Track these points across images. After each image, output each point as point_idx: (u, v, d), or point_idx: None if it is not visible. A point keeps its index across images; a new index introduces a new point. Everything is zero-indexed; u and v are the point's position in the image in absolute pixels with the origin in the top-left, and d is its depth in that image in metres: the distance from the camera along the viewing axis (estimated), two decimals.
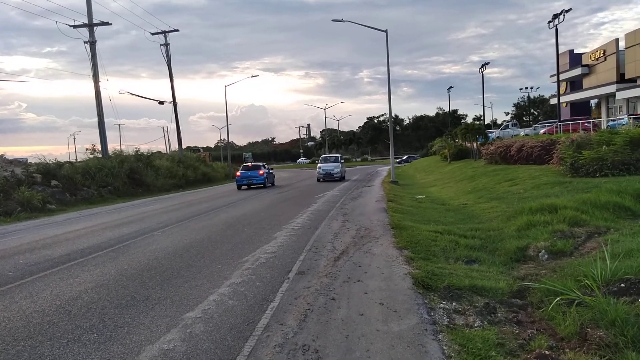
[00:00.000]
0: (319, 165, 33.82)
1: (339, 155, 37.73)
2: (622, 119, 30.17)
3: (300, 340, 4.52)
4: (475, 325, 4.86)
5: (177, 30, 40.06)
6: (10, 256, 9.83)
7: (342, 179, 32.89)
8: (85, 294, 6.57)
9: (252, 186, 28.83)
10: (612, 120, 30.67)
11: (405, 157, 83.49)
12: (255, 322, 5.10)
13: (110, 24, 30.09)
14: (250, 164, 30.66)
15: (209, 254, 8.91)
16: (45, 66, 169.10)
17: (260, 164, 30.82)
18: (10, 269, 8.45)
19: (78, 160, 34.58)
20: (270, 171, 31.46)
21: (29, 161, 30.27)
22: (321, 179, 32.37)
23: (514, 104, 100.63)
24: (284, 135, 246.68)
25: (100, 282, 7.16)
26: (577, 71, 46.45)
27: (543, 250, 7.86)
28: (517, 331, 4.83)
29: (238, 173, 29.18)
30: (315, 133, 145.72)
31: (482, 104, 52.72)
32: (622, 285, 5.41)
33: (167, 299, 6.14)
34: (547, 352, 4.12)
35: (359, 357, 4.07)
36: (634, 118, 25.02)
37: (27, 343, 4.85)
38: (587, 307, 4.93)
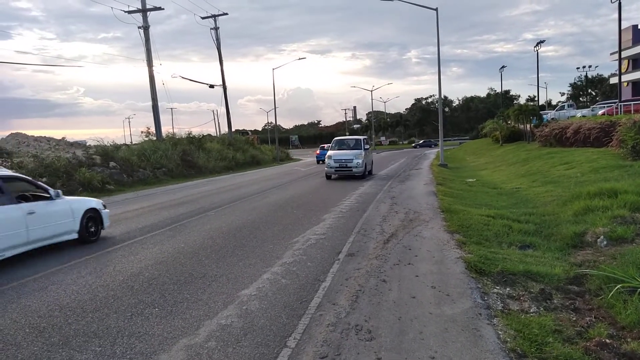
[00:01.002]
0: (329, 153, 21.83)
1: (362, 137, 23.31)
2: None
3: (352, 320, 4.60)
4: (531, 311, 4.78)
5: (226, 14, 40.54)
6: None
7: (366, 174, 21.29)
8: (145, 270, 6.90)
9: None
10: None
11: (421, 142, 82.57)
12: (308, 301, 5.22)
13: (163, 9, 30.79)
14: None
15: (261, 234, 9.12)
16: (102, 52, 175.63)
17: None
18: (74, 246, 8.94)
19: (133, 143, 35.96)
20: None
21: (87, 144, 31.75)
22: (332, 175, 21.50)
23: (570, 84, 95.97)
24: (329, 118, 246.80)
25: (159, 260, 7.49)
26: None
27: (602, 236, 7.57)
28: (574, 318, 4.72)
29: (317, 151, 33.75)
30: (362, 115, 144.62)
31: (536, 84, 50.82)
32: None
33: (223, 276, 6.37)
34: (607, 340, 4.02)
35: (412, 338, 4.11)
36: None
37: (94, 315, 5.17)
38: None
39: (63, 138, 34.42)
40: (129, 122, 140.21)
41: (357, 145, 22.05)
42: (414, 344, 3.99)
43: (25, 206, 7.95)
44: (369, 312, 4.81)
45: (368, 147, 23.36)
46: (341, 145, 22.60)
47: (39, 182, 9.12)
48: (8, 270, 7.26)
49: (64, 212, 8.65)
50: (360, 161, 20.62)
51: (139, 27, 30.21)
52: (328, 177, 21.48)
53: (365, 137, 25.10)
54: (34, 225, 7.85)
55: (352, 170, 20.65)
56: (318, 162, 35.17)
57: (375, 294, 5.36)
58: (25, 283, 6.52)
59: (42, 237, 8.09)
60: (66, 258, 7.91)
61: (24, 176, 9.02)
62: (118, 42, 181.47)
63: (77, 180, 20.33)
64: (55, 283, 6.45)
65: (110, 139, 29.09)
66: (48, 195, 8.57)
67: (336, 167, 20.96)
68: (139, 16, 30.25)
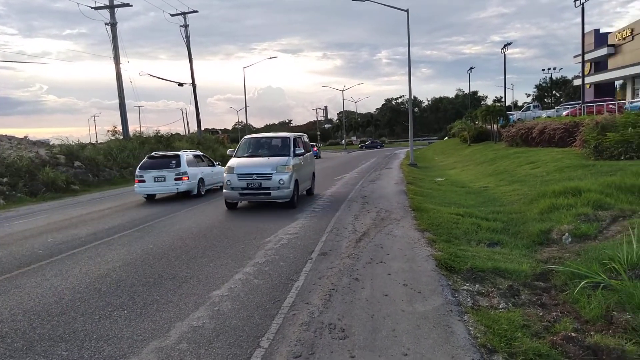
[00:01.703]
0: (231, 163, 12.92)
1: (291, 136, 13.78)
2: (639, 101, 29.47)
3: (326, 319, 4.59)
4: (500, 307, 4.88)
5: (196, 12, 39.97)
6: (38, 235, 10.09)
7: (295, 200, 12.38)
8: (113, 272, 6.74)
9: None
10: (629, 102, 29.91)
11: (367, 143, 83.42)
12: (281, 301, 5.19)
13: (131, 5, 30.13)
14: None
15: (232, 235, 9.03)
16: (66, 48, 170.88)
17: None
18: (39, 247, 8.69)
19: (99, 142, 35.09)
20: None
21: (51, 142, 30.82)
22: (237, 203, 12.91)
23: (535, 86, 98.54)
24: (301, 117, 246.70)
25: (128, 261, 7.33)
26: (603, 51, 45.20)
27: (567, 234, 7.79)
28: (541, 313, 4.84)
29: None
30: (333, 115, 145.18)
31: (503, 85, 52.03)
32: None
33: (193, 277, 6.28)
34: (573, 334, 4.13)
35: (385, 336, 4.13)
36: None
37: (60, 318, 5.02)
38: (613, 290, 4.91)
39: (25, 137, 33.29)
40: (95, 120, 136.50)
41: (283, 150, 13.10)
42: (387, 342, 4.02)
43: (215, 168, 17.85)
44: (342, 310, 4.82)
45: (304, 151, 13.82)
46: (255, 149, 13.76)
47: (210, 158, 18.68)
48: None
49: (221, 172, 15.39)
50: (284, 178, 12.02)
51: (106, 24, 29.51)
52: (230, 205, 12.78)
53: (302, 135, 15.70)
54: (216, 176, 17.36)
55: (269, 192, 12.08)
56: None
57: (348, 292, 5.37)
58: None
59: (217, 181, 17.39)
60: (29, 260, 7.67)
61: (203, 154, 18.78)
62: (84, 39, 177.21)
63: (40, 180, 19.72)
64: (18, 286, 6.23)
65: (75, 137, 28.52)
66: (216, 164, 18.27)
67: (242, 189, 12.23)
68: (106, 12, 29.55)
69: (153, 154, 17.14)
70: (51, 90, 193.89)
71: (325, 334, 4.26)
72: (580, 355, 3.81)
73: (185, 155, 16.29)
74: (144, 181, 15.60)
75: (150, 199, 15.99)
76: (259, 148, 13.74)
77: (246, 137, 14.69)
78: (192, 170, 15.88)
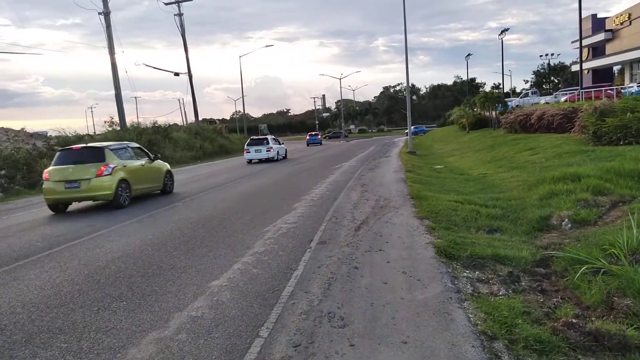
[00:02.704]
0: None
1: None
2: (632, 87, 29.37)
3: (325, 308, 4.58)
4: (500, 293, 4.86)
5: (191, 0, 39.63)
6: (37, 227, 10.06)
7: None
8: (112, 263, 6.71)
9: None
10: (622, 88, 29.82)
11: (330, 133, 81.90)
12: (280, 290, 5.17)
13: None
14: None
15: (231, 224, 9.00)
16: (61, 39, 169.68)
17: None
18: (38, 239, 8.67)
19: (96, 133, 34.95)
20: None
21: (48, 134, 30.68)
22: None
23: (533, 72, 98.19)
24: (299, 106, 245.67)
25: (126, 252, 7.30)
26: (600, 36, 45.03)
27: (566, 219, 7.77)
28: (541, 300, 4.82)
29: (307, 137, 31.79)
30: (331, 104, 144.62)
31: (501, 71, 51.77)
32: None
33: (192, 267, 6.25)
34: (573, 320, 4.12)
35: (385, 324, 4.11)
36: None
37: (59, 310, 5.00)
38: (613, 275, 4.89)
39: (22, 129, 33.11)
40: (92, 111, 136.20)
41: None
42: (386, 330, 4.00)
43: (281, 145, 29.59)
44: (341, 299, 4.80)
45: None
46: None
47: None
48: None
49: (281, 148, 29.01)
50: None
51: (99, 13, 29.28)
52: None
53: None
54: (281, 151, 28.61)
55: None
56: (308, 145, 37.63)
57: (347, 280, 5.35)
58: None
59: (282, 154, 28.52)
60: (27, 252, 7.64)
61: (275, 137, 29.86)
62: (78, 29, 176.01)
63: (38, 172, 19.64)
64: (17, 279, 6.21)
65: (72, 129, 28.36)
66: (280, 143, 29.64)
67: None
68: (99, 1, 29.28)
69: (253, 137, 29.84)
70: (47, 82, 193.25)
71: (324, 322, 4.24)
72: (581, 341, 3.79)
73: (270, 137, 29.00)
74: (249, 152, 27.55)
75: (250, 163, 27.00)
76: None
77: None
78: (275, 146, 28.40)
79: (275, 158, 27.41)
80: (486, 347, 3.61)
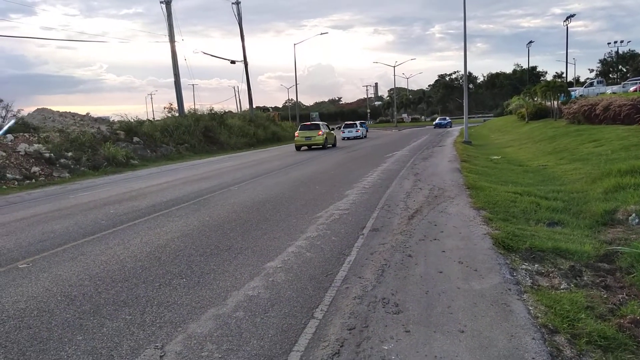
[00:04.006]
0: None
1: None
2: None
3: (379, 294, 4.57)
4: (561, 287, 4.69)
5: None
6: (101, 206, 10.59)
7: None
8: (172, 242, 6.98)
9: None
10: None
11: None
12: (334, 275, 5.21)
13: None
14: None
15: (284, 209, 9.13)
16: (124, 27, 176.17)
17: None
18: (102, 218, 9.12)
19: (156, 119, 36.24)
20: (331, 131, 30.85)
21: (111, 119, 32.10)
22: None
23: (599, 60, 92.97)
24: (351, 94, 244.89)
25: (185, 232, 7.56)
26: None
27: (634, 214, 7.36)
28: (605, 295, 4.61)
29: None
30: (383, 92, 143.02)
31: (564, 60, 49.37)
32: None
33: (248, 249, 6.40)
34: None
35: (440, 312, 4.06)
36: None
37: (124, 285, 5.26)
38: None
39: (87, 114, 34.97)
40: (152, 98, 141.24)
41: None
42: (442, 318, 3.95)
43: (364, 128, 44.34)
44: (395, 285, 4.78)
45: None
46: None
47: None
48: (35, 241, 7.44)
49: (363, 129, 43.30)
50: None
51: (161, 2, 30.15)
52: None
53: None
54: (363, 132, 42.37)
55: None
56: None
57: (401, 268, 5.32)
58: (55, 253, 6.67)
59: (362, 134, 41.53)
60: (93, 229, 8.06)
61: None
62: (140, 18, 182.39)
63: (101, 155, 20.65)
64: (84, 254, 6.57)
65: (132, 115, 29.53)
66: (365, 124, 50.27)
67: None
68: None
69: (345, 122, 45.03)
70: (110, 69, 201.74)
71: (378, 307, 4.24)
72: None
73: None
74: (344, 132, 40.44)
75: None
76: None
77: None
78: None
79: (361, 136, 41.05)
80: (547, 340, 3.50)
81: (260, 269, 5.54)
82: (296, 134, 28.45)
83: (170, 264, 5.93)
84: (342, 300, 4.48)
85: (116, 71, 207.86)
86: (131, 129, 25.32)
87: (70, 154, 19.61)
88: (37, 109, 34.77)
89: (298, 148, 27.98)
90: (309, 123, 30.25)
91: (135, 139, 24.67)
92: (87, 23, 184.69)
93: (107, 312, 4.49)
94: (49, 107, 34.29)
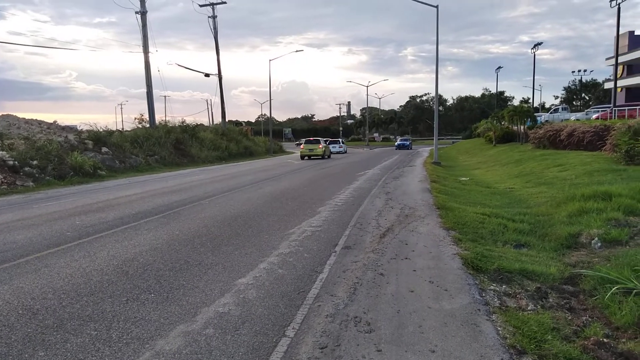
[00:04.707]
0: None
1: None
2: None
3: (351, 312, 4.58)
4: (528, 308, 4.79)
5: (225, 2, 40.19)
6: (67, 217, 10.30)
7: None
8: (140, 256, 6.83)
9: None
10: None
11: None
12: (306, 292, 5.19)
13: None
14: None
15: (256, 225, 9.07)
16: (96, 36, 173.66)
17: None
18: (68, 229, 8.87)
19: (125, 130, 35.63)
20: (337, 145, 47.64)
21: (79, 128, 31.38)
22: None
23: (564, 88, 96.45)
24: (323, 112, 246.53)
25: (154, 246, 7.42)
26: (637, 54, 44.02)
27: (596, 238, 7.61)
28: (570, 317, 4.74)
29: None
30: (355, 111, 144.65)
31: (531, 86, 51.03)
32: None
33: (218, 264, 6.32)
34: (604, 339, 4.04)
35: (412, 332, 4.09)
36: None
37: (89, 299, 5.11)
38: None
39: (55, 122, 34.00)
40: (122, 108, 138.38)
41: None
42: (413, 337, 3.98)
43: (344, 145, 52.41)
44: (367, 304, 4.79)
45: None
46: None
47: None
48: None
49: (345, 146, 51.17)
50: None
51: (137, 12, 29.93)
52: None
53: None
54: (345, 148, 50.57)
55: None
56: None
57: (373, 286, 5.35)
58: (17, 265, 6.44)
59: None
60: (58, 241, 7.83)
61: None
62: (112, 27, 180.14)
63: (68, 164, 20.13)
64: (48, 266, 6.37)
65: (101, 124, 29.02)
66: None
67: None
68: (136, 1, 29.93)
69: (330, 139, 51.86)
70: (80, 77, 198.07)
71: (350, 326, 4.25)
72: None
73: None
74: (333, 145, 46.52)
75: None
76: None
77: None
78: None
79: (343, 151, 48.60)
80: None
81: (231, 285, 5.48)
82: (302, 146, 37.48)
83: (138, 278, 5.80)
84: (314, 318, 4.46)
85: (86, 79, 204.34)
86: (100, 139, 24.80)
87: (35, 162, 19.05)
88: (2, 115, 33.68)
89: (302, 157, 36.05)
90: (312, 139, 38.96)
91: (104, 149, 24.17)
92: (58, 30, 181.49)
93: (72, 327, 4.35)
94: (14, 114, 33.29)
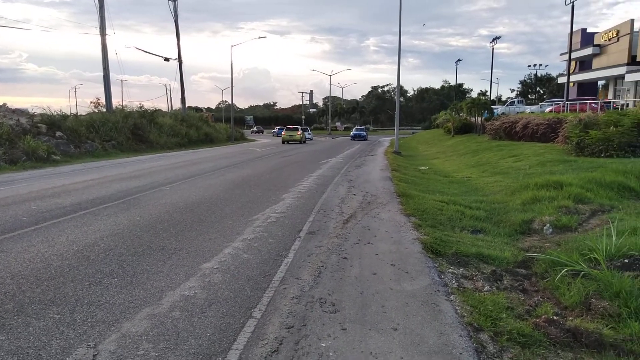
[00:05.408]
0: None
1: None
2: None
3: (316, 294, 4.69)
4: (484, 289, 5.04)
5: None
6: (21, 202, 9.96)
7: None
8: (101, 241, 6.72)
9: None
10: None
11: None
12: (271, 276, 5.27)
13: None
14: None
15: (219, 211, 9.05)
16: (49, 15, 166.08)
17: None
18: (23, 214, 8.59)
19: (80, 114, 34.43)
20: (307, 133, 50.46)
21: (31, 111, 30.12)
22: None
23: (520, 81, 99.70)
24: (286, 100, 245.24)
25: (115, 231, 7.31)
26: (588, 51, 45.81)
27: (548, 224, 8.02)
28: (523, 298, 5.02)
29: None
30: (318, 100, 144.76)
31: (489, 79, 52.35)
32: (626, 260, 5.58)
33: (182, 249, 6.31)
34: (554, 317, 4.31)
35: (375, 311, 4.24)
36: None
37: (50, 283, 5.02)
38: (592, 279, 5.11)
39: (4, 104, 32.47)
40: (75, 92, 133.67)
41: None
42: (376, 317, 4.13)
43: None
44: (332, 286, 4.92)
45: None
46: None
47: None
48: None
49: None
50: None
51: None
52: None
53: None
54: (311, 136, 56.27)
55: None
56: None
57: (337, 269, 5.48)
58: None
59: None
60: (13, 226, 7.59)
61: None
62: (66, 7, 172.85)
63: (21, 148, 19.38)
64: (4, 251, 6.18)
65: (54, 108, 27.84)
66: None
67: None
68: None
69: (302, 127, 53.56)
70: (31, 59, 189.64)
71: (316, 307, 4.36)
72: (560, 337, 3.98)
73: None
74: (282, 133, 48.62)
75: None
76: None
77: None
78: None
79: (310, 138, 51.85)
80: (472, 337, 3.77)
81: (196, 269, 5.49)
82: (283, 132, 45.34)
83: (100, 263, 5.72)
84: (280, 300, 4.55)
85: (37, 61, 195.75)
86: (54, 123, 23.89)
87: None
88: None
89: (283, 142, 42.59)
90: (292, 126, 46.83)
91: (58, 133, 23.33)
92: (6, 7, 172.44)
93: (33, 311, 4.27)
94: None
